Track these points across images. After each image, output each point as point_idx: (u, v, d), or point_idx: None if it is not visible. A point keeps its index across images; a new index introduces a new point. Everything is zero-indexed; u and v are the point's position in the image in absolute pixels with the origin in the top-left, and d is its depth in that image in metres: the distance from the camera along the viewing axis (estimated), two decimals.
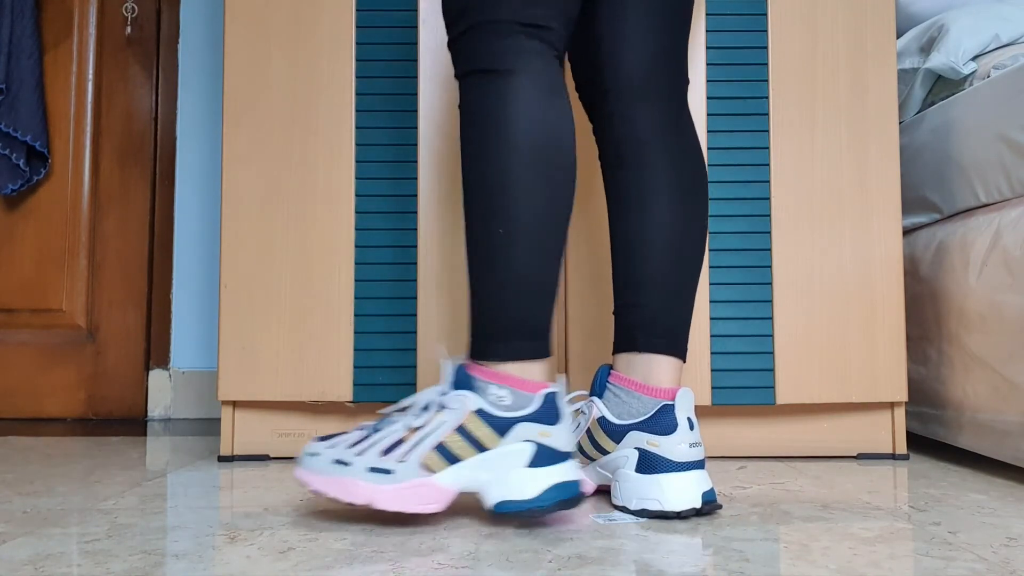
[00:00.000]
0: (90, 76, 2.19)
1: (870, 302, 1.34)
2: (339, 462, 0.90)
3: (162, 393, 2.16)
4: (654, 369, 1.01)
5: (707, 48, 1.37)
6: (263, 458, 1.36)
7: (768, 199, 1.35)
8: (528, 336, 0.93)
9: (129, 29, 2.19)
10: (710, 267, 1.34)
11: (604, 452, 1.00)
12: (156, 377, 2.16)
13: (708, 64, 1.36)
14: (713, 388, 1.33)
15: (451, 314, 1.34)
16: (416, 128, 1.36)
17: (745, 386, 1.33)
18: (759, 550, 0.80)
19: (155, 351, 2.18)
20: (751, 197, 1.35)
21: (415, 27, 1.37)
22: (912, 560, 0.76)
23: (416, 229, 1.35)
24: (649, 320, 1.01)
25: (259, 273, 1.35)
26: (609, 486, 1.01)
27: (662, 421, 0.95)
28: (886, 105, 1.36)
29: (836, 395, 1.33)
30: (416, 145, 1.36)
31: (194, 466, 1.32)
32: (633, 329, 1.02)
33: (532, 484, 0.87)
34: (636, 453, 0.95)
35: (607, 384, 1.03)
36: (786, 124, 1.36)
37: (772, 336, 1.33)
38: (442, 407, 0.90)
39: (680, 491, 0.92)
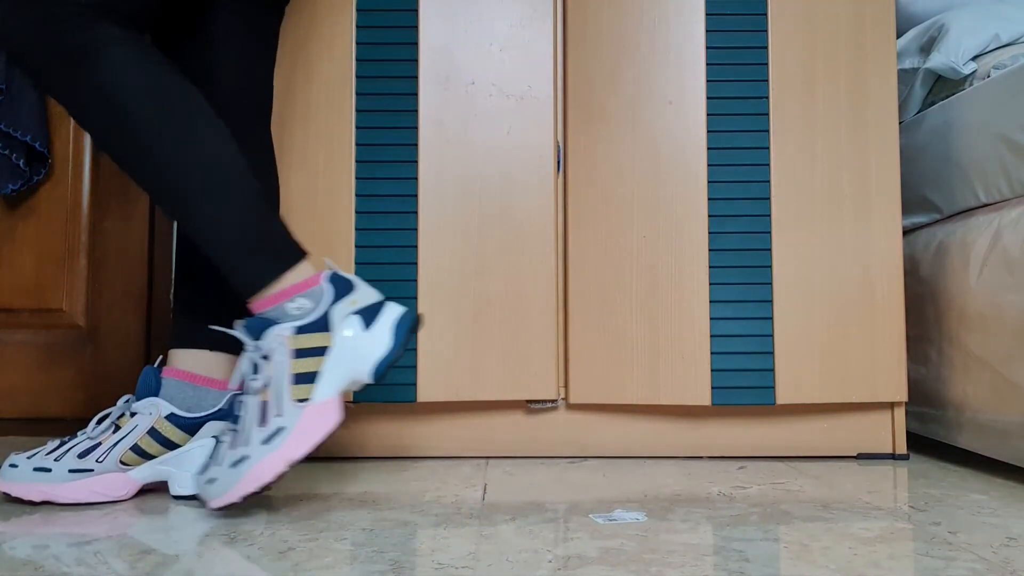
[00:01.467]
0: None
1: (870, 302, 1.34)
2: (236, 463, 0.92)
3: None
4: (210, 363, 1.07)
5: (707, 48, 1.37)
6: None
7: (768, 199, 1.35)
8: (282, 244, 0.99)
9: None
10: (710, 267, 1.34)
11: (174, 447, 1.04)
12: None
13: (708, 64, 1.36)
14: (713, 388, 1.33)
15: (451, 314, 1.34)
16: (416, 128, 1.36)
17: (745, 386, 1.33)
18: (759, 550, 0.80)
19: (155, 351, 2.18)
20: (751, 197, 1.35)
21: (415, 27, 1.37)
22: (912, 560, 0.76)
23: (416, 229, 1.35)
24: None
25: None
26: (163, 482, 1.05)
27: (342, 286, 0.98)
28: (886, 105, 1.36)
29: (836, 395, 1.33)
30: (416, 145, 1.36)
31: None
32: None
33: (381, 337, 0.95)
34: (213, 441, 1.03)
35: (166, 381, 1.05)
36: (786, 124, 1.36)
37: (772, 336, 1.33)
38: (265, 356, 0.94)
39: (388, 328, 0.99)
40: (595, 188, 1.35)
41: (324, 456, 1.37)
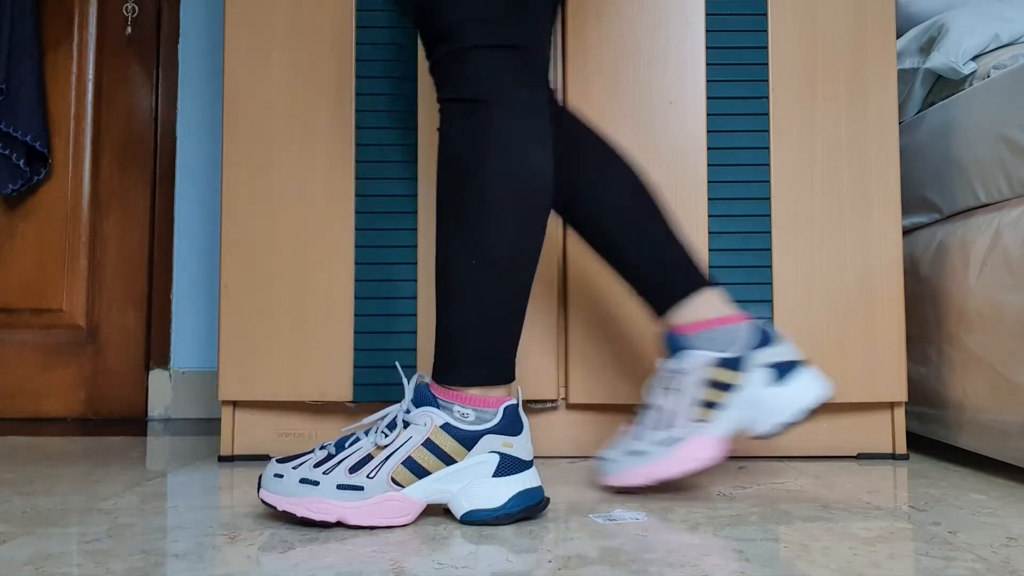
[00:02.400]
0: (90, 76, 2.19)
1: (870, 302, 1.34)
2: (306, 481, 0.90)
3: (162, 393, 2.16)
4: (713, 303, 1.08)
5: (707, 48, 1.37)
6: (263, 458, 1.36)
7: (768, 199, 1.35)
8: (492, 364, 0.95)
9: (130, 29, 2.19)
10: (710, 267, 1.34)
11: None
12: (156, 377, 2.16)
13: (708, 64, 1.36)
14: None
15: None
16: (416, 128, 1.36)
17: None
18: (759, 550, 0.80)
19: (155, 351, 2.18)
20: (751, 197, 1.35)
21: (415, 27, 1.37)
22: (912, 560, 0.76)
23: (416, 229, 1.35)
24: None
25: (259, 273, 1.35)
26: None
27: (513, 421, 0.94)
28: (886, 105, 1.36)
29: (836, 395, 1.33)
30: (416, 145, 1.36)
31: (194, 466, 1.32)
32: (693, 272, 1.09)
33: (498, 493, 0.91)
34: (770, 371, 1.02)
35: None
36: (786, 124, 1.36)
37: None
38: (407, 424, 0.92)
39: (818, 378, 1.03)
40: None
41: None
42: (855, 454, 1.36)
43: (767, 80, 1.36)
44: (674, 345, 1.04)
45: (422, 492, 0.91)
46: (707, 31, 1.37)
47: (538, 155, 0.94)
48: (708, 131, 1.36)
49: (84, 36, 2.19)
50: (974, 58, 1.50)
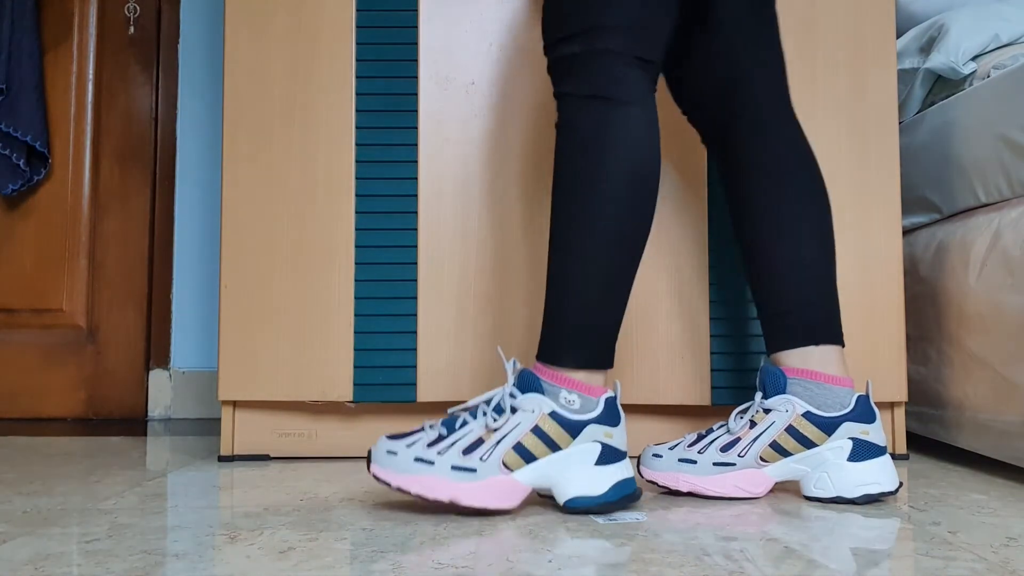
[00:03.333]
0: (90, 76, 2.19)
1: (870, 302, 1.34)
2: (421, 460, 0.93)
3: (162, 393, 2.16)
4: (830, 359, 1.06)
5: None
6: (263, 458, 1.36)
7: None
8: (598, 348, 0.99)
9: (132, 29, 2.19)
10: (710, 267, 1.34)
11: (811, 446, 1.03)
12: (156, 377, 2.16)
13: None
14: (713, 388, 1.33)
15: (451, 314, 1.34)
16: (416, 128, 1.36)
17: (745, 386, 1.33)
18: (759, 550, 0.80)
19: (155, 351, 2.18)
20: None
21: (415, 27, 1.37)
22: (912, 560, 0.76)
23: (416, 229, 1.35)
24: (821, 315, 1.07)
25: (259, 273, 1.35)
26: (795, 481, 1.06)
27: (866, 410, 1.03)
28: (886, 105, 1.36)
29: None
30: (416, 145, 1.36)
31: (194, 466, 1.32)
32: (806, 325, 1.07)
33: (600, 481, 0.95)
34: (850, 443, 1.02)
35: (790, 380, 1.05)
36: None
37: None
38: (515, 409, 0.96)
39: (892, 472, 1.02)
40: None
41: (324, 456, 1.37)
42: None
43: None
44: (774, 383, 1.04)
45: (529, 477, 0.95)
46: None
47: (657, 151, 1.01)
48: None
49: (84, 36, 2.19)
50: (974, 58, 1.50)
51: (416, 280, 1.35)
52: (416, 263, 1.35)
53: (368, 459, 0.96)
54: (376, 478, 0.95)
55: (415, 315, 1.34)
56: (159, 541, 0.83)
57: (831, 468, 1.02)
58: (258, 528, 0.89)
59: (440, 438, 0.95)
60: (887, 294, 1.34)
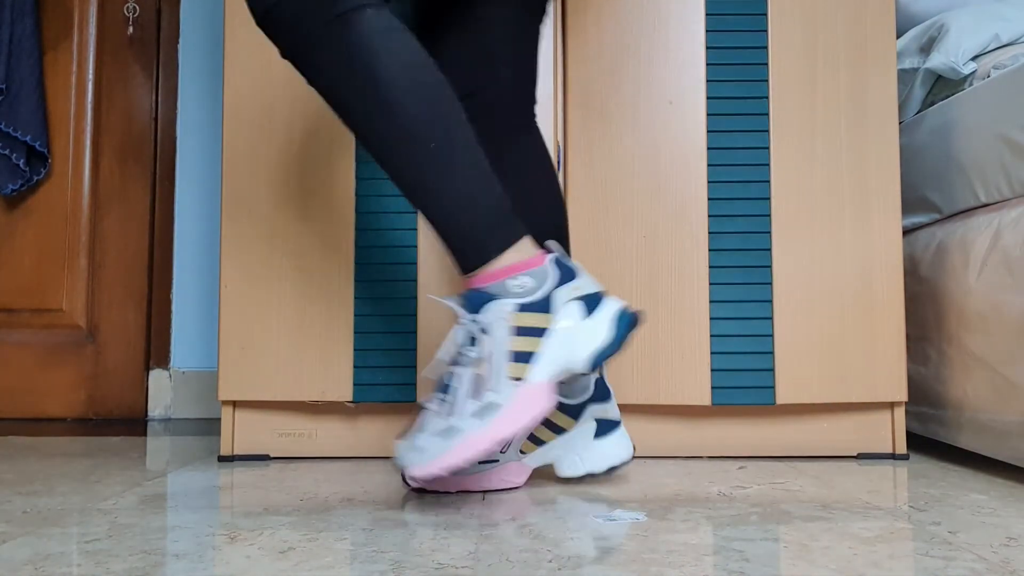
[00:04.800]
0: (90, 76, 2.19)
1: (870, 302, 1.34)
2: (447, 432, 0.90)
3: (162, 393, 2.16)
4: None
5: (707, 48, 1.37)
6: (263, 458, 1.36)
7: (768, 199, 1.35)
8: (506, 220, 0.94)
9: (131, 29, 2.19)
10: (710, 267, 1.34)
11: (561, 431, 1.10)
12: (156, 377, 2.16)
13: (708, 64, 1.36)
14: (713, 388, 1.33)
15: (451, 314, 1.34)
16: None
17: (745, 386, 1.33)
18: (759, 550, 0.80)
19: (155, 351, 2.18)
20: (751, 197, 1.35)
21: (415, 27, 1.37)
22: (912, 560, 0.76)
23: (416, 229, 1.35)
24: None
25: (259, 273, 1.35)
26: (549, 465, 1.12)
27: (603, 390, 1.10)
28: (886, 105, 1.36)
29: (836, 395, 1.33)
30: None
31: (194, 466, 1.32)
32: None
33: (599, 326, 0.94)
34: (595, 423, 1.10)
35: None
36: (786, 124, 1.36)
37: (772, 336, 1.33)
38: (484, 330, 0.91)
39: (627, 442, 1.12)
40: (595, 188, 1.35)
41: (324, 456, 1.37)
42: (855, 454, 1.36)
43: (767, 80, 1.36)
44: (478, 299, 0.93)
45: (543, 371, 0.92)
46: (707, 31, 1.37)
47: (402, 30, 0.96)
48: (708, 131, 1.36)
49: (84, 36, 2.19)
50: (974, 58, 1.50)
51: (416, 280, 1.35)
52: (416, 263, 1.35)
53: (403, 477, 0.95)
54: (422, 479, 0.92)
55: (415, 315, 1.34)
56: (159, 541, 0.83)
57: (580, 449, 1.09)
58: (258, 528, 0.89)
59: (443, 402, 0.92)
60: (887, 294, 1.34)
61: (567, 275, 0.94)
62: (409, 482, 1.00)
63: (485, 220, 0.94)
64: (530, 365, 0.92)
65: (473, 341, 0.92)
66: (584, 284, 0.95)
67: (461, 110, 0.95)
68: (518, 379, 0.91)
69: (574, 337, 0.93)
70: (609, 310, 0.94)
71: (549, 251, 0.96)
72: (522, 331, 0.91)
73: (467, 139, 0.94)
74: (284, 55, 0.94)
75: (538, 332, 0.92)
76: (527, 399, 0.90)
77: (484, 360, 0.91)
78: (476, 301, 0.92)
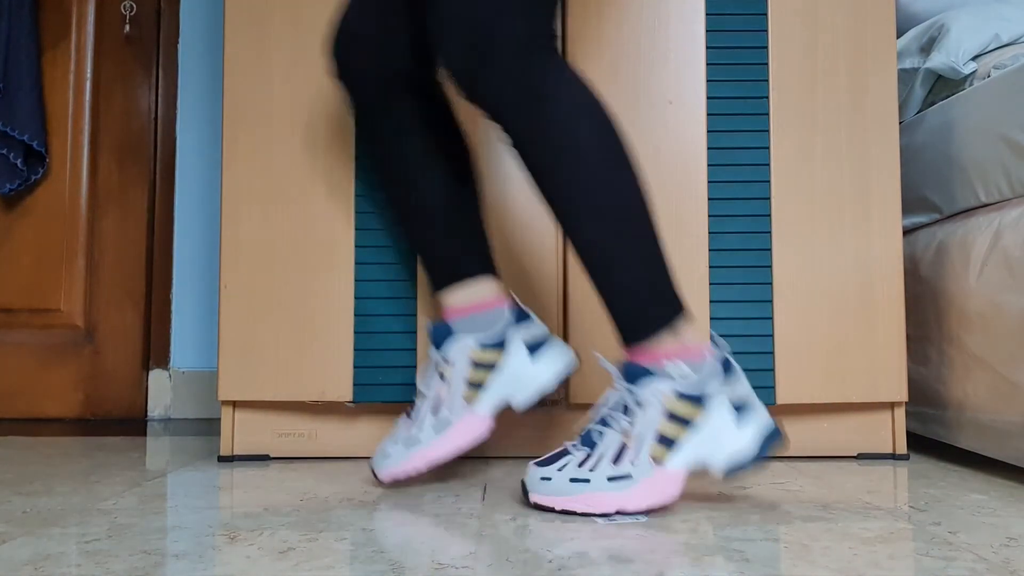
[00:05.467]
0: (88, 75, 2.19)
1: (870, 302, 1.34)
2: (577, 480, 0.95)
3: (162, 393, 2.15)
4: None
5: (707, 48, 1.37)
6: (263, 458, 1.36)
7: (768, 199, 1.35)
8: (668, 299, 0.98)
9: (127, 27, 2.19)
10: (710, 267, 1.34)
11: (492, 367, 1.10)
12: (156, 377, 2.16)
13: (708, 64, 1.36)
14: None
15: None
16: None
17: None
18: (759, 550, 0.80)
19: (155, 351, 2.18)
20: (751, 197, 1.35)
21: None
22: (912, 560, 0.76)
23: None
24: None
25: (259, 273, 1.35)
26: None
27: (518, 313, 1.12)
28: (886, 105, 1.36)
29: (836, 395, 1.33)
30: None
31: (194, 466, 1.32)
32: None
33: (744, 438, 0.95)
34: (524, 347, 1.10)
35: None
36: (786, 124, 1.36)
37: (772, 336, 1.33)
38: (639, 403, 0.96)
39: (563, 347, 1.12)
40: None
41: (324, 456, 1.37)
42: (855, 454, 1.36)
43: (767, 80, 1.36)
44: (634, 372, 0.98)
45: (680, 461, 0.95)
46: (707, 31, 1.37)
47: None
48: (708, 131, 1.36)
49: (82, 35, 2.19)
50: (974, 58, 1.50)
51: (416, 280, 1.35)
52: (416, 263, 1.35)
53: (524, 490, 0.99)
54: (537, 505, 0.97)
55: (415, 315, 1.34)
56: (159, 541, 0.83)
57: (521, 376, 1.07)
58: (258, 528, 0.89)
59: (587, 456, 0.97)
60: (887, 294, 1.34)
61: (729, 373, 0.97)
62: (378, 475, 1.10)
63: (659, 292, 0.97)
64: (671, 452, 0.95)
65: (625, 410, 0.97)
66: (739, 387, 0.97)
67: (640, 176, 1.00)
68: (656, 460, 0.95)
69: (719, 437, 0.95)
70: (761, 423, 0.96)
71: (711, 345, 0.98)
72: (672, 417, 0.95)
73: (648, 204, 0.99)
74: (492, 118, 0.99)
75: (686, 423, 0.95)
76: (660, 484, 0.94)
77: (632, 434, 0.96)
78: (634, 374, 0.96)
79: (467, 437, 1.06)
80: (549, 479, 0.97)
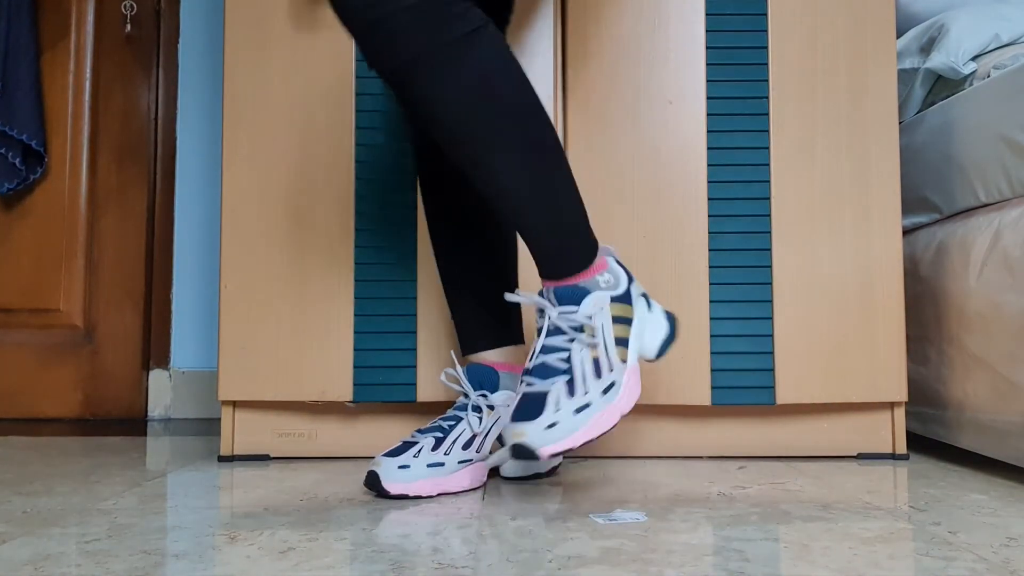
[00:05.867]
0: (88, 75, 2.18)
1: (870, 302, 1.34)
2: (577, 411, 0.94)
3: (162, 393, 2.15)
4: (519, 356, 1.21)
5: (707, 48, 1.37)
6: (263, 458, 1.36)
7: (768, 199, 1.35)
8: (588, 236, 1.02)
9: (128, 27, 2.19)
10: (710, 267, 1.34)
11: (630, 321, 1.07)
12: (156, 377, 2.16)
13: (708, 64, 1.36)
14: (713, 388, 1.33)
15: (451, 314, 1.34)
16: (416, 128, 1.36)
17: (745, 386, 1.33)
18: (759, 550, 0.80)
19: (155, 351, 2.18)
20: (751, 197, 1.35)
21: None
22: (912, 560, 0.76)
23: (416, 228, 1.35)
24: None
25: (259, 273, 1.35)
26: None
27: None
28: (886, 105, 1.36)
29: (836, 395, 1.33)
30: (416, 145, 1.36)
31: (194, 466, 1.32)
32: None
33: (660, 322, 1.05)
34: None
35: (501, 375, 1.17)
36: (786, 124, 1.36)
37: (772, 336, 1.33)
38: (588, 317, 0.98)
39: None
40: (595, 188, 1.35)
41: (324, 456, 1.37)
42: (855, 454, 1.36)
43: (767, 80, 1.36)
44: (577, 294, 1.00)
45: (634, 356, 1.02)
46: (707, 31, 1.37)
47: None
48: (708, 131, 1.36)
49: (82, 35, 2.19)
50: (974, 58, 1.50)
51: (416, 280, 1.35)
52: (416, 263, 1.35)
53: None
54: (556, 453, 0.93)
55: (415, 315, 1.34)
56: (159, 541, 0.83)
57: (648, 325, 1.08)
58: (258, 528, 0.89)
59: (570, 382, 0.95)
60: (887, 294, 1.34)
61: (629, 273, 1.04)
62: (389, 489, 1.04)
63: (586, 224, 1.02)
64: (627, 349, 1.01)
65: (579, 329, 0.98)
66: (637, 283, 1.06)
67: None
68: (623, 361, 0.99)
69: (645, 327, 1.03)
70: (659, 306, 1.06)
71: (606, 249, 1.05)
72: (616, 319, 1.00)
73: (561, 147, 1.00)
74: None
75: (626, 321, 1.01)
76: (632, 381, 1.00)
77: (598, 345, 0.98)
78: (575, 295, 0.99)
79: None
80: (556, 424, 0.93)
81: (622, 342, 1.00)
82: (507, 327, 1.21)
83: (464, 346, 1.20)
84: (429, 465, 1.07)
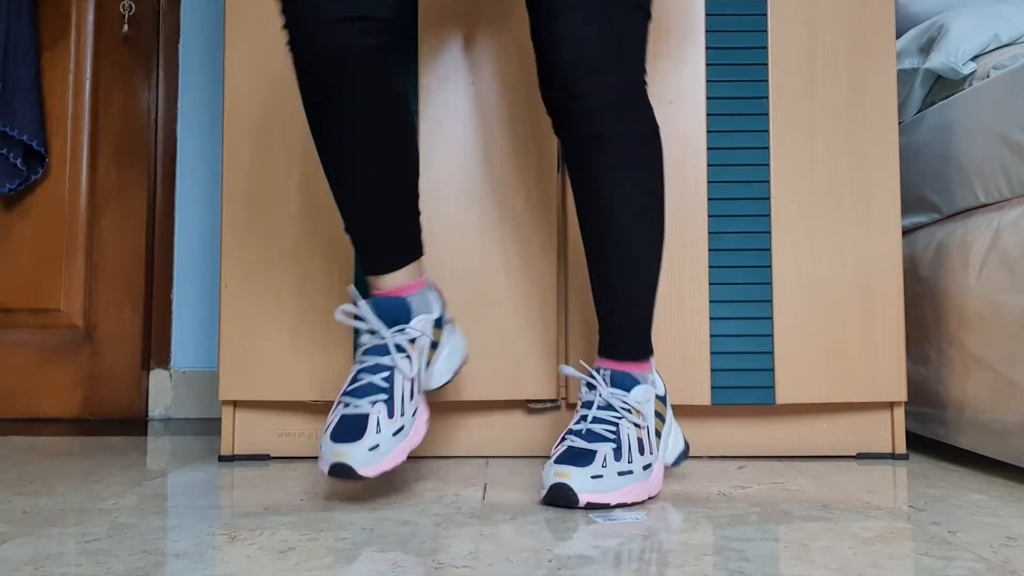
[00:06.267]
0: (88, 75, 2.18)
1: (870, 302, 1.34)
2: (623, 473, 1.02)
3: (162, 393, 2.15)
4: None
5: (707, 48, 1.37)
6: (264, 458, 1.36)
7: (768, 199, 1.35)
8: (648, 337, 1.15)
9: (126, 27, 2.18)
10: (710, 267, 1.34)
11: (663, 419, 1.18)
12: (156, 377, 2.16)
13: (708, 64, 1.36)
14: (713, 388, 1.33)
15: (452, 314, 1.34)
16: (416, 128, 1.36)
17: (745, 386, 1.33)
18: (759, 550, 0.80)
19: (155, 351, 2.18)
20: (751, 197, 1.35)
21: (415, 27, 1.37)
22: (912, 560, 0.76)
23: None
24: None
25: (259, 273, 1.35)
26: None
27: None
28: (886, 105, 1.36)
29: (836, 395, 1.33)
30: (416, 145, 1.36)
31: (194, 466, 1.32)
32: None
33: (680, 435, 1.17)
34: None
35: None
36: (786, 124, 1.36)
37: (772, 336, 1.33)
38: (638, 402, 1.08)
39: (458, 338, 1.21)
40: None
41: None
42: (855, 454, 1.36)
43: (767, 80, 1.36)
44: (629, 382, 1.09)
45: (664, 449, 1.12)
46: (707, 31, 1.37)
47: None
48: (708, 131, 1.36)
49: (81, 35, 2.18)
50: (974, 58, 1.51)
51: None
52: None
53: (560, 492, 1.00)
54: (591, 504, 0.99)
55: None
56: (159, 541, 0.83)
57: (674, 431, 1.16)
58: (258, 528, 0.89)
59: (617, 450, 1.02)
60: (887, 294, 1.34)
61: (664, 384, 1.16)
62: (363, 472, 0.98)
63: (651, 324, 1.13)
64: (662, 444, 1.11)
65: (628, 410, 1.07)
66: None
67: None
68: (657, 451, 1.09)
69: (671, 433, 1.14)
70: (675, 422, 1.18)
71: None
72: (656, 415, 1.11)
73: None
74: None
75: (661, 419, 1.12)
76: (661, 470, 1.09)
77: (643, 427, 1.07)
78: (625, 383, 1.08)
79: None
80: (600, 476, 1.00)
81: (659, 435, 1.11)
82: (419, 236, 1.11)
83: (374, 266, 1.07)
84: (394, 435, 1.00)
